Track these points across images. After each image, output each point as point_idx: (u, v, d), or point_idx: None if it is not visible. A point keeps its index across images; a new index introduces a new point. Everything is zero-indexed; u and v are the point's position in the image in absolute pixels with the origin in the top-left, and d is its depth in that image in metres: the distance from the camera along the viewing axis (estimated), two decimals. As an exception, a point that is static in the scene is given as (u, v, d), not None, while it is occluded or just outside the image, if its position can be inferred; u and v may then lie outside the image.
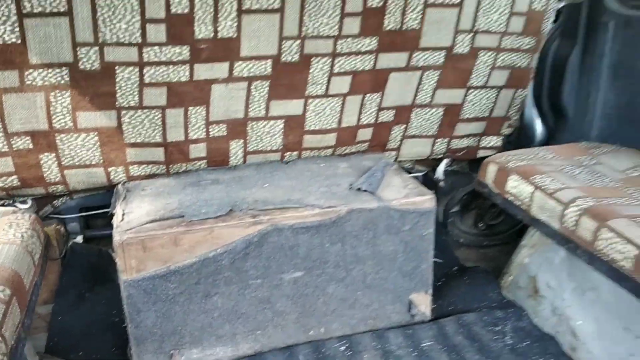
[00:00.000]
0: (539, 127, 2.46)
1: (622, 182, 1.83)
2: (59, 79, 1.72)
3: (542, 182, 1.82)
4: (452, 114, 2.23)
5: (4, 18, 1.58)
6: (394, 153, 2.29)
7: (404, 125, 2.22)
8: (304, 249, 1.85)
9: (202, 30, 1.78)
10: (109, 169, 1.98)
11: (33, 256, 1.62)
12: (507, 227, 2.57)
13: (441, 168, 2.41)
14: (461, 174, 2.46)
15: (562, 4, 2.36)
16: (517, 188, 1.90)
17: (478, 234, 2.58)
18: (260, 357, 1.86)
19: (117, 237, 1.70)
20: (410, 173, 2.39)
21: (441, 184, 2.43)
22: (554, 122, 2.41)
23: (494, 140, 2.37)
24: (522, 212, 1.89)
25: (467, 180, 2.45)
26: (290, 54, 1.91)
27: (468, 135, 2.32)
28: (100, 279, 2.20)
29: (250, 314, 1.86)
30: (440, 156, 2.38)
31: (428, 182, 2.44)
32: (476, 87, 2.19)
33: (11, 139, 1.79)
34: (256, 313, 1.87)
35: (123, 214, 1.81)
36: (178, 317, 1.79)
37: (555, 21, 2.38)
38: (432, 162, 2.44)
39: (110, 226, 1.76)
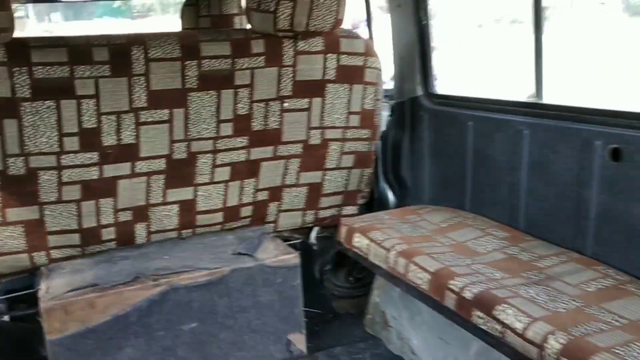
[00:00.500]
0: (390, 195, 3.13)
1: (433, 232, 2.47)
2: None
3: (375, 235, 2.44)
4: (315, 190, 2.85)
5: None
6: (272, 225, 2.86)
7: (278, 202, 2.81)
8: (197, 303, 2.34)
9: (108, 140, 2.33)
10: (33, 254, 2.42)
11: None
12: (371, 278, 3.16)
13: (313, 234, 2.99)
14: (330, 238, 3.04)
15: (393, 102, 3.10)
16: (359, 242, 2.50)
17: (349, 287, 3.15)
18: None
19: (43, 305, 2.13)
20: (288, 241, 2.96)
21: (314, 247, 3.00)
22: (399, 191, 3.08)
23: (352, 209, 3.00)
24: (365, 261, 2.48)
25: (335, 243, 3.04)
26: (180, 152, 2.48)
27: (330, 207, 2.94)
28: (27, 353, 2.56)
29: (157, 361, 2.30)
30: (311, 225, 2.97)
31: (305, 246, 3.01)
32: (331, 169, 2.83)
33: None
34: (162, 360, 2.31)
35: (47, 288, 2.24)
36: (95, 368, 2.21)
37: (391, 115, 3.11)
38: (306, 230, 3.02)
39: (35, 305, 2.19)
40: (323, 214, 2.94)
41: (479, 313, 1.84)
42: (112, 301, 2.21)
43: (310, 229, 3.01)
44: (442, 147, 2.86)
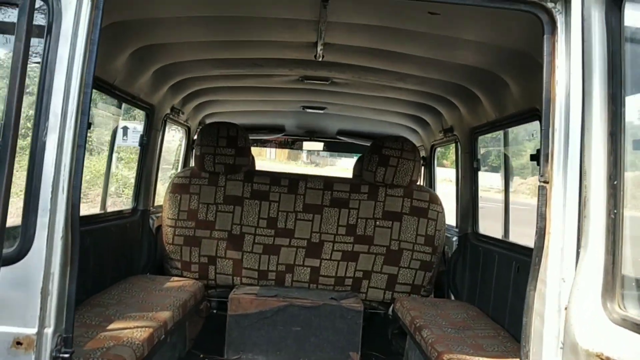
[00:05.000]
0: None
1: (450, 324, 4.13)
2: None
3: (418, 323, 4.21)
4: (392, 279, 4.68)
5: None
6: (363, 294, 4.73)
7: (368, 281, 4.71)
8: (302, 317, 4.31)
9: (280, 224, 4.64)
10: (235, 278, 4.72)
11: None
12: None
13: (390, 308, 4.77)
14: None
15: (457, 235, 4.85)
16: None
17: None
18: None
19: (230, 296, 4.37)
20: (375, 309, 4.78)
21: (390, 316, 4.76)
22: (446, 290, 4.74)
23: (417, 298, 4.73)
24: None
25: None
26: (315, 238, 4.64)
27: (402, 292, 4.72)
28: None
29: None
30: (389, 302, 4.75)
31: (386, 316, 4.79)
32: (403, 267, 4.67)
33: None
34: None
35: (234, 293, 4.49)
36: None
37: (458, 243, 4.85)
38: (388, 305, 4.80)
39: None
40: (397, 296, 4.73)
41: None
42: (261, 303, 4.32)
43: (390, 304, 4.80)
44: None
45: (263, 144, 7.65)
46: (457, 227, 4.89)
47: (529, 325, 2.10)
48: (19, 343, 2.00)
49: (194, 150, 5.13)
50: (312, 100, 5.34)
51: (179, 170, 5.88)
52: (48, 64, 2.05)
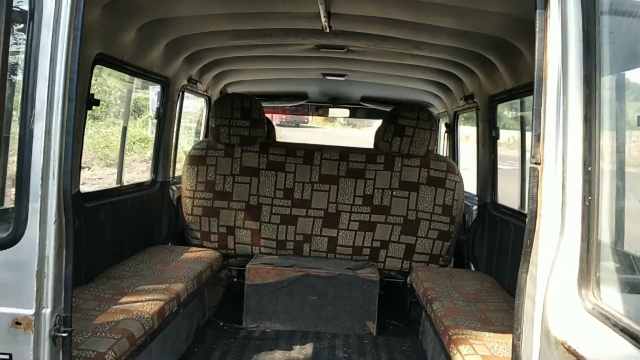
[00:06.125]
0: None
1: (452, 286, 4.10)
2: None
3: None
4: (410, 249, 4.67)
5: None
6: (381, 264, 4.74)
7: (385, 250, 4.70)
8: (318, 287, 4.35)
9: (297, 195, 4.64)
10: (253, 247, 4.79)
11: None
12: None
13: (409, 278, 4.76)
14: (420, 283, 4.77)
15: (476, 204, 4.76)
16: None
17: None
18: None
19: (248, 266, 4.44)
20: (393, 278, 4.79)
21: (408, 286, 4.76)
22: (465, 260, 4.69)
23: (435, 267, 4.71)
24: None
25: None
26: (332, 209, 4.63)
27: (420, 262, 4.70)
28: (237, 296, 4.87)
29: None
30: (407, 271, 4.75)
31: (405, 285, 4.79)
32: (421, 237, 4.63)
33: None
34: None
35: (252, 263, 4.56)
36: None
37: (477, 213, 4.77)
38: (406, 274, 4.80)
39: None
40: (415, 266, 4.71)
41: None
42: (277, 273, 4.37)
43: (408, 273, 4.80)
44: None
45: (289, 111, 7.62)
46: (476, 195, 4.80)
47: (521, 307, 2.07)
48: (18, 323, 2.08)
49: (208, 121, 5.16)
50: (332, 68, 5.26)
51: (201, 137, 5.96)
52: (32, 51, 2.06)
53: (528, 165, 4.11)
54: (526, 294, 2.05)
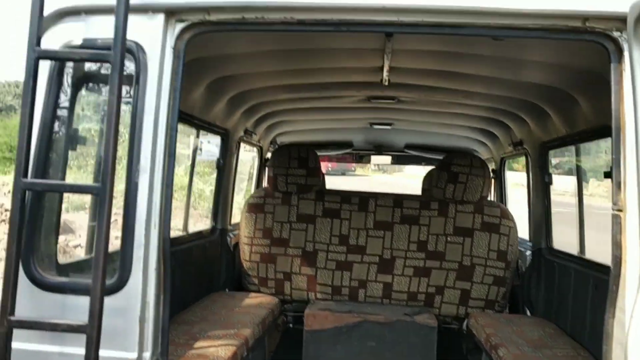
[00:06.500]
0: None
1: (526, 341, 4.10)
2: None
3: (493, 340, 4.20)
4: (465, 294, 4.69)
5: None
6: (437, 310, 4.76)
7: (441, 296, 4.73)
8: (376, 332, 4.39)
9: (352, 241, 4.74)
10: (309, 293, 4.86)
11: None
12: None
13: (464, 324, 4.76)
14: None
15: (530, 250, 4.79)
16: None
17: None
18: None
19: (306, 312, 4.51)
20: (449, 324, 4.79)
21: (464, 332, 4.76)
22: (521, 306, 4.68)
23: (491, 313, 4.70)
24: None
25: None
26: (387, 255, 4.71)
27: (476, 307, 4.71)
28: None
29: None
30: (463, 317, 4.75)
31: (460, 332, 4.79)
32: (477, 283, 4.66)
33: None
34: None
35: (310, 308, 4.63)
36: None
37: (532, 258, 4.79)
38: (462, 320, 4.81)
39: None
40: (471, 311, 4.72)
41: None
42: (336, 319, 4.43)
43: (464, 319, 4.80)
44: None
45: (334, 159, 7.78)
46: (530, 240, 4.83)
47: (609, 352, 2.12)
48: (122, 366, 2.22)
49: (266, 171, 5.33)
50: (379, 117, 5.43)
51: (252, 184, 6.13)
52: (137, 111, 2.25)
53: (587, 209, 4.12)
54: (614, 339, 2.10)
